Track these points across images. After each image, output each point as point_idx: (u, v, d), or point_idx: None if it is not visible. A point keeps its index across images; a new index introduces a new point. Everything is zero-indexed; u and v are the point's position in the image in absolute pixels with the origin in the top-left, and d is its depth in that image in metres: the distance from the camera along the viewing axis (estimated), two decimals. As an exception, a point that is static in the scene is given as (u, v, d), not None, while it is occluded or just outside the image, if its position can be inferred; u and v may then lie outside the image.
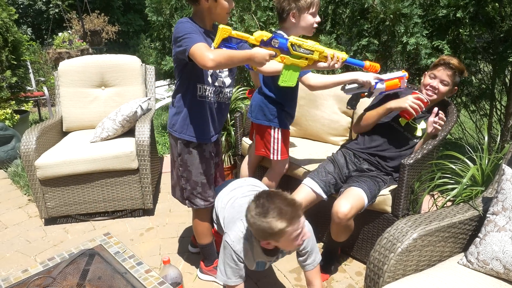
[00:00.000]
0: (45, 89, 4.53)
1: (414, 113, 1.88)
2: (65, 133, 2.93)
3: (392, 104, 1.94)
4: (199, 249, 2.20)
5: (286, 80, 1.56)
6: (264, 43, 1.48)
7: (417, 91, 2.00)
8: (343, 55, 1.58)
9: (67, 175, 2.46)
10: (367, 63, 1.67)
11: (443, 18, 2.49)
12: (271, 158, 2.18)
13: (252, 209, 1.39)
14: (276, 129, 2.13)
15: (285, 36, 1.56)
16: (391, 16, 2.67)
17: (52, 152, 2.52)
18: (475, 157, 1.81)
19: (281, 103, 2.09)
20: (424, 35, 2.51)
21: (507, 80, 2.78)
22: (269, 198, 1.39)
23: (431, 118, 1.87)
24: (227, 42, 1.50)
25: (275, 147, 2.17)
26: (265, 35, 1.47)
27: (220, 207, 1.81)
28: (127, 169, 2.51)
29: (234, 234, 1.54)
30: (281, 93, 2.05)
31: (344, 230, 1.89)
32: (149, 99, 2.93)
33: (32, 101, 4.65)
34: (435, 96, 1.94)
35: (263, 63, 1.47)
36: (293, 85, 1.59)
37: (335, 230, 1.92)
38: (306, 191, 2.01)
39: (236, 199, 1.79)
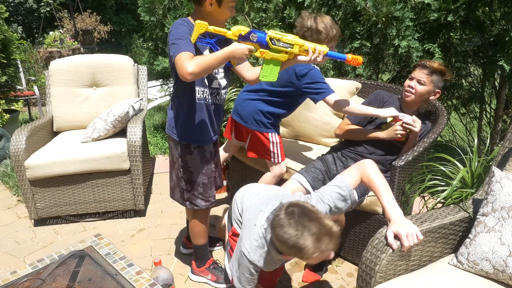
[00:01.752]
0: (35, 88, 4.48)
1: (403, 135, 1.94)
2: (55, 133, 2.90)
3: (382, 135, 2.01)
4: (191, 251, 2.19)
5: (267, 75, 1.53)
6: (243, 38, 1.46)
7: (397, 96, 2.12)
8: (324, 48, 1.54)
9: (58, 176, 2.43)
10: (349, 56, 1.63)
11: (434, 22, 2.51)
12: (273, 162, 2.21)
13: (283, 220, 1.29)
14: (274, 134, 2.17)
15: (264, 30, 1.56)
16: (383, 19, 2.69)
17: (42, 152, 2.49)
18: (465, 160, 1.83)
19: (285, 110, 2.17)
20: (416, 38, 2.53)
21: (496, 84, 2.82)
22: (305, 216, 1.28)
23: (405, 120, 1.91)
24: (204, 38, 1.49)
25: (275, 151, 2.21)
26: (243, 29, 1.45)
27: (242, 200, 1.72)
28: (118, 170, 2.49)
29: (249, 243, 1.46)
30: (289, 99, 2.10)
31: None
32: (141, 99, 2.91)
33: (22, 101, 4.60)
34: (412, 96, 2.00)
35: (243, 58, 1.46)
36: (274, 79, 1.55)
37: None
38: (294, 185, 2.03)
39: (261, 194, 1.70)
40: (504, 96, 2.69)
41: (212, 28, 1.44)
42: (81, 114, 2.90)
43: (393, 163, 1.84)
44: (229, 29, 1.47)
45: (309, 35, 1.93)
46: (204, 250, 1.98)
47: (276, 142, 2.20)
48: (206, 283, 2.00)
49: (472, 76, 2.96)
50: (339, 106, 1.96)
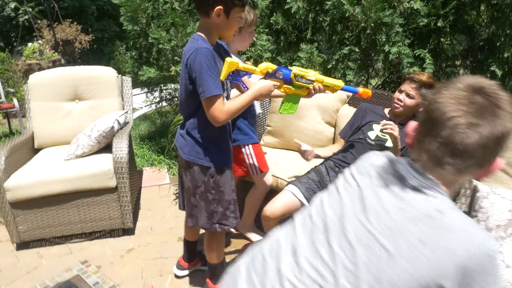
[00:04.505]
0: (15, 100, 4.32)
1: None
2: (37, 150, 2.77)
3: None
4: (186, 272, 2.11)
5: (287, 108, 1.62)
6: (269, 75, 1.52)
7: (383, 107, 2.17)
8: (339, 83, 1.64)
9: (40, 197, 2.32)
10: (360, 89, 1.72)
11: (424, 27, 2.49)
12: (252, 175, 2.17)
13: None
14: (246, 146, 2.12)
15: (288, 67, 1.56)
16: (372, 24, 2.65)
17: (23, 172, 2.37)
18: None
19: (244, 116, 2.09)
20: (406, 44, 2.50)
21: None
22: None
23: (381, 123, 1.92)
24: (233, 75, 1.52)
25: (251, 163, 2.16)
26: (270, 67, 1.51)
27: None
28: (104, 188, 2.39)
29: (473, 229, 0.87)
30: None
31: None
32: (127, 112, 2.81)
33: (1, 113, 4.42)
34: (401, 109, 2.03)
35: (269, 95, 1.54)
36: (293, 113, 1.65)
37: None
38: (287, 196, 1.99)
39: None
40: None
41: (242, 66, 1.48)
42: (63, 129, 2.78)
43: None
44: (256, 65, 1.53)
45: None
46: (221, 267, 1.92)
47: (251, 154, 2.15)
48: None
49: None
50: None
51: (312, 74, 1.56)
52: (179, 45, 3.23)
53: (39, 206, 2.35)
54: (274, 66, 1.52)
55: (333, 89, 1.64)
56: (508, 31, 2.14)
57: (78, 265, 1.59)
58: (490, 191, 1.31)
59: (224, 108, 1.46)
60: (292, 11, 3.01)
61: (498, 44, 2.22)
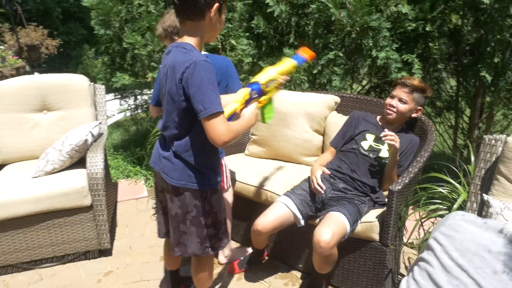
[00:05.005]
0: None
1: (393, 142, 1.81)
2: (0, 166, 2.53)
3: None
4: None
5: (269, 115, 1.59)
6: (248, 101, 1.47)
7: (375, 115, 2.14)
8: (292, 62, 1.55)
9: (5, 219, 2.09)
10: (306, 55, 1.60)
11: (412, 32, 2.44)
12: (224, 188, 2.12)
13: None
14: (223, 158, 2.09)
15: (255, 81, 1.48)
16: (358, 29, 2.58)
17: (-16, 192, 2.13)
18: (463, 181, 1.74)
19: None
20: (394, 49, 2.44)
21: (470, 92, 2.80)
22: None
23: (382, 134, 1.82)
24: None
25: (227, 175, 2.13)
26: (245, 94, 1.45)
27: None
28: (78, 207, 2.19)
29: None
30: None
31: (327, 260, 1.75)
32: (101, 123, 2.61)
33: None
34: (394, 114, 1.98)
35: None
36: (273, 116, 1.60)
37: (318, 261, 1.77)
38: (280, 209, 1.89)
39: None
40: (479, 104, 2.67)
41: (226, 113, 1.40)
42: (30, 143, 2.54)
43: (390, 187, 1.70)
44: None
45: (176, 32, 1.85)
46: None
47: (226, 165, 2.12)
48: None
49: (445, 83, 2.93)
50: None
51: (273, 72, 1.49)
52: (156, 50, 3.06)
53: (4, 230, 2.12)
54: (247, 90, 1.46)
55: (292, 70, 1.58)
56: (498, 36, 2.12)
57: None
58: (504, 207, 1.24)
59: (228, 126, 1.30)
60: (275, 15, 2.91)
61: (488, 49, 2.19)
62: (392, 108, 1.97)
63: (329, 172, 1.92)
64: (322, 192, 1.85)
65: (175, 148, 1.41)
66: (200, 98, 1.26)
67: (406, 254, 2.29)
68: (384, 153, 1.95)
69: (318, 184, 1.86)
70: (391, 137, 1.74)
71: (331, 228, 1.67)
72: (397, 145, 1.76)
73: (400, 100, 1.95)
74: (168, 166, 1.44)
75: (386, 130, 1.80)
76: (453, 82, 2.99)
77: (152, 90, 3.87)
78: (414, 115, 2.01)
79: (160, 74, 1.47)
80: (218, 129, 1.27)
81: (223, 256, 2.23)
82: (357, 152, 1.99)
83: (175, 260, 1.85)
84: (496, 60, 2.15)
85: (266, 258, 2.30)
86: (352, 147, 2.02)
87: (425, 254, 0.79)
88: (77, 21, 10.35)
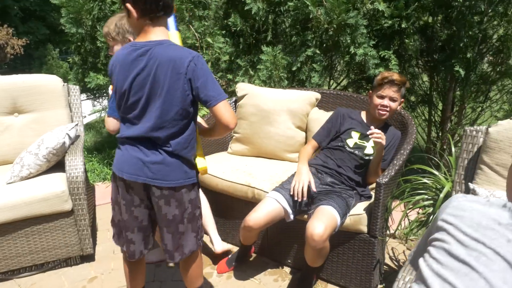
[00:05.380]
0: None
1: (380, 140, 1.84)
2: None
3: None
4: None
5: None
6: None
7: (359, 112, 2.14)
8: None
9: (-20, 228, 1.98)
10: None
11: (388, 29, 2.51)
12: None
13: None
14: None
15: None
16: (335, 26, 2.63)
17: (-45, 201, 2.00)
18: (443, 169, 1.81)
19: None
20: (371, 45, 2.51)
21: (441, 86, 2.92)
22: None
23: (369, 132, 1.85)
24: None
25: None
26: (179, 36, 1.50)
27: None
28: (58, 212, 2.10)
29: None
30: None
31: (320, 253, 1.78)
32: (77, 124, 2.51)
33: None
34: (387, 114, 1.98)
35: None
36: None
37: (311, 255, 1.79)
38: (271, 204, 1.90)
39: None
40: (451, 98, 2.79)
41: None
42: (1, 147, 2.42)
43: (377, 180, 1.75)
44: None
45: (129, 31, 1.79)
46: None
47: None
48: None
49: (418, 78, 3.04)
50: None
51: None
52: (131, 49, 2.98)
53: (-21, 239, 2.01)
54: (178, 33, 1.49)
55: None
56: (470, 32, 2.22)
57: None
58: (490, 194, 1.30)
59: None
60: (253, 12, 2.91)
61: (461, 45, 2.29)
62: (385, 108, 1.95)
63: (315, 190, 1.89)
64: (300, 199, 1.85)
65: (173, 147, 1.37)
66: (211, 86, 1.33)
67: (389, 244, 2.36)
68: (369, 149, 1.99)
69: (302, 191, 1.85)
70: (378, 135, 1.78)
71: (323, 222, 1.70)
72: (384, 142, 1.81)
73: (391, 99, 1.94)
74: (162, 171, 1.38)
75: (372, 127, 1.83)
76: (425, 77, 3.11)
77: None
78: (399, 107, 2.04)
79: (129, 79, 1.35)
80: (231, 111, 1.37)
81: (219, 244, 2.19)
82: (343, 150, 2.02)
83: (141, 282, 1.73)
84: (468, 55, 2.25)
85: (253, 254, 2.31)
86: (338, 145, 2.05)
87: (438, 235, 0.83)
88: (39, 20, 9.93)
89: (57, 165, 2.31)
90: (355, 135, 2.04)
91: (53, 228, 2.13)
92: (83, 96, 4.18)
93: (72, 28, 3.02)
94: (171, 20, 1.49)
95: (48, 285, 2.11)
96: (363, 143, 2.01)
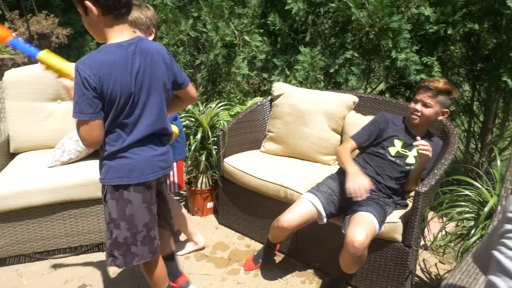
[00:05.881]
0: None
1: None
2: (12, 155, 2.49)
3: (347, 176, 1.80)
4: None
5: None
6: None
7: (402, 118, 2.04)
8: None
9: (21, 209, 2.06)
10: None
11: (432, 34, 2.44)
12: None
13: None
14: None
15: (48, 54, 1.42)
16: (377, 29, 2.59)
17: (0, 180, 2.10)
18: (489, 185, 1.75)
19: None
20: (414, 51, 2.45)
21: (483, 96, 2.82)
22: None
23: (415, 144, 1.78)
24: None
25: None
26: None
27: None
28: (95, 199, 2.16)
29: None
30: None
31: (358, 260, 1.74)
32: (116, 114, 2.57)
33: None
34: (419, 119, 1.90)
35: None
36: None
37: (348, 261, 1.76)
38: (306, 206, 1.87)
39: None
40: (494, 109, 2.69)
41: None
42: (43, 132, 2.51)
43: (416, 189, 1.70)
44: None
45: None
46: None
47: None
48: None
49: (459, 88, 2.95)
50: None
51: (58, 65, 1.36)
52: (171, 43, 3.03)
53: (20, 219, 2.09)
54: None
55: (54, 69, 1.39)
56: (522, 41, 2.14)
57: (76, 290, 1.39)
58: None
59: None
60: (293, 12, 2.90)
61: (510, 54, 2.21)
62: (416, 113, 1.89)
63: (373, 186, 1.81)
64: (360, 198, 1.74)
65: (169, 137, 1.49)
66: (180, 70, 1.48)
67: (421, 256, 2.30)
68: (411, 159, 1.93)
69: (365, 192, 1.73)
70: (425, 147, 1.72)
71: (364, 229, 1.67)
72: (430, 154, 1.74)
73: (425, 104, 1.87)
74: (168, 158, 1.49)
75: (418, 138, 1.76)
76: (466, 87, 3.01)
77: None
78: (440, 117, 1.93)
79: (132, 80, 1.31)
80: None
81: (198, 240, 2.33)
82: (384, 157, 1.96)
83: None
84: (518, 65, 2.17)
85: (277, 253, 2.30)
86: (379, 152, 1.98)
87: (509, 226, 0.82)
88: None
89: (96, 152, 2.37)
90: (398, 144, 1.97)
91: (89, 213, 2.19)
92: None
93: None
94: (26, 46, 1.40)
95: (80, 268, 2.17)
96: (405, 152, 1.94)
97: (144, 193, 1.43)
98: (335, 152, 2.06)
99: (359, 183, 1.73)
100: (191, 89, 1.54)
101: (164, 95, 1.42)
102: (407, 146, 1.94)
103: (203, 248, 2.35)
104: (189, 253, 2.32)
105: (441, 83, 1.85)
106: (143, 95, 1.34)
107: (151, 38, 1.76)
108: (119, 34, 1.30)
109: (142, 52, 1.32)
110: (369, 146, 2.02)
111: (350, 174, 1.79)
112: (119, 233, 1.44)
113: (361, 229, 1.67)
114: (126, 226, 1.43)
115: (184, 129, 2.58)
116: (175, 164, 2.10)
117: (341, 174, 2.00)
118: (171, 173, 2.05)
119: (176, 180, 2.15)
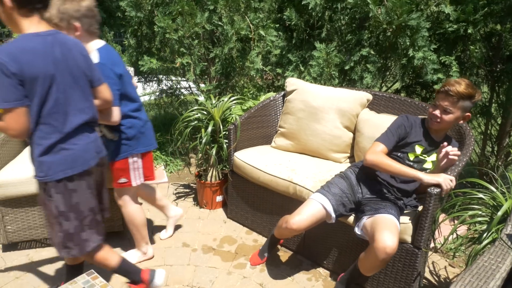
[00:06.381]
0: None
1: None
2: (26, 142, 2.52)
3: (426, 178, 1.70)
4: None
5: None
6: None
7: (421, 119, 1.94)
8: None
9: (34, 194, 2.09)
10: None
11: (452, 33, 2.39)
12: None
13: None
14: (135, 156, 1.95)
15: None
16: (394, 27, 2.54)
17: (13, 166, 2.14)
18: (503, 185, 1.70)
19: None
20: (432, 49, 2.40)
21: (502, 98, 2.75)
22: None
23: (445, 150, 1.67)
24: None
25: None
26: None
27: None
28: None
29: None
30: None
31: (384, 265, 1.69)
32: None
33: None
34: (439, 125, 1.80)
35: None
36: None
37: (374, 265, 1.70)
38: (316, 208, 1.84)
39: None
40: (513, 111, 2.62)
41: None
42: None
43: (429, 190, 1.67)
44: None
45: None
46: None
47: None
48: None
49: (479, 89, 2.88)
50: None
51: None
52: (186, 36, 3.03)
53: (31, 205, 2.13)
54: None
55: None
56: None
57: (83, 277, 1.40)
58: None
59: None
60: (310, 7, 2.87)
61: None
62: (436, 119, 1.80)
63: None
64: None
65: (96, 124, 1.58)
66: (96, 68, 1.54)
67: (430, 258, 2.26)
68: (428, 164, 1.87)
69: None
70: (456, 153, 1.64)
71: (393, 233, 1.63)
72: (457, 159, 1.67)
73: (445, 110, 1.76)
74: (100, 143, 1.59)
75: (445, 143, 1.68)
76: (484, 88, 2.93)
77: (177, 76, 3.85)
78: (462, 121, 1.83)
79: (37, 59, 1.29)
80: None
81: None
82: (401, 161, 1.90)
83: None
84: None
85: (279, 247, 2.30)
86: (397, 155, 1.92)
87: None
88: (97, 4, 10.33)
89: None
90: (418, 150, 1.89)
91: (99, 202, 2.22)
92: (135, 78, 4.32)
93: (132, 11, 3.11)
94: None
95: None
96: (424, 157, 1.88)
97: (88, 180, 1.50)
98: (370, 162, 1.86)
99: (446, 182, 1.66)
100: (105, 90, 1.57)
101: (88, 85, 1.49)
102: (427, 152, 1.88)
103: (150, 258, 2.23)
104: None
105: (462, 87, 1.71)
106: (67, 83, 1.38)
107: (77, 34, 1.63)
108: (36, 26, 1.33)
109: (61, 43, 1.36)
110: (393, 151, 1.93)
111: (430, 177, 1.70)
112: (69, 224, 1.49)
113: (391, 234, 1.63)
114: (74, 215, 1.49)
115: (195, 122, 2.59)
116: (140, 156, 1.95)
117: (352, 173, 1.97)
118: (136, 165, 1.94)
119: (141, 172, 1.98)
